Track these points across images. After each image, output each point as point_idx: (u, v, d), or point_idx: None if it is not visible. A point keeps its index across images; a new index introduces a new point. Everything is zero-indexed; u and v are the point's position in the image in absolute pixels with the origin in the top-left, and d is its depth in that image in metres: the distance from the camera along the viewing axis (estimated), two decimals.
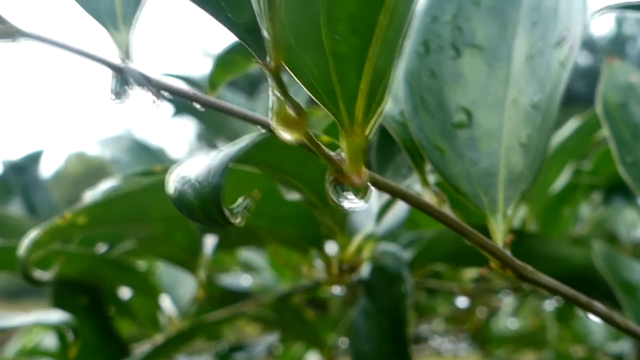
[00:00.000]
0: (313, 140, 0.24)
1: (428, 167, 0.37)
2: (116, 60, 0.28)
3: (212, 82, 0.45)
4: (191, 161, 0.28)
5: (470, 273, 0.72)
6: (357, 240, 0.41)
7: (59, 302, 0.58)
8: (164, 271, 0.66)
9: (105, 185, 0.44)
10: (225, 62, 0.45)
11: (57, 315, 0.43)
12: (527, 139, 0.33)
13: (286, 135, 0.24)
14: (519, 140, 0.34)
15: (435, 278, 0.77)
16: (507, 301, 0.96)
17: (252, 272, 0.94)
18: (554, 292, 0.32)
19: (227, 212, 0.25)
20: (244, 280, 0.90)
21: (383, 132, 0.42)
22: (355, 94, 0.25)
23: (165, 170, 0.46)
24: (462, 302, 0.71)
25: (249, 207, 0.26)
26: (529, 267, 0.32)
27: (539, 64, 0.35)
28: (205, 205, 0.25)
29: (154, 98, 0.27)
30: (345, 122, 0.26)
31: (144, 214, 0.38)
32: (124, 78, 0.27)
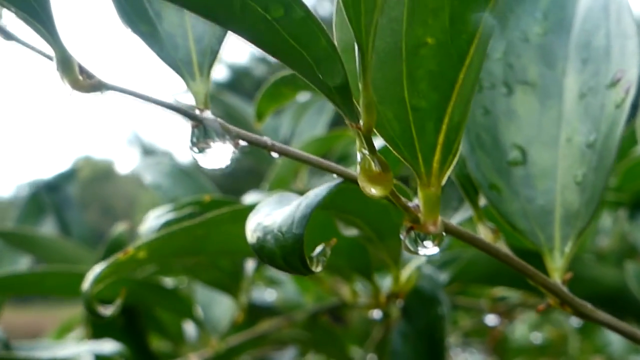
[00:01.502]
0: (394, 193, 0.25)
1: (481, 201, 0.38)
2: (194, 110, 0.28)
3: (259, 112, 0.46)
4: (268, 207, 0.29)
5: (499, 290, 0.72)
6: (407, 272, 0.42)
7: (96, 323, 0.59)
8: (200, 291, 0.66)
9: (155, 215, 0.45)
10: (272, 93, 0.46)
11: (110, 346, 0.43)
12: (582, 177, 0.34)
13: (372, 190, 0.24)
14: (574, 178, 0.35)
15: (462, 294, 0.78)
16: (528, 316, 0.97)
17: (275, 285, 0.94)
18: (612, 329, 0.33)
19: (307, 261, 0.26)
20: (268, 295, 0.91)
21: None
22: (433, 147, 0.26)
23: (212, 200, 0.47)
24: (491, 319, 0.72)
25: (327, 254, 0.27)
26: (588, 305, 0.33)
27: (592, 103, 0.36)
28: (288, 255, 0.26)
29: (233, 148, 0.28)
30: (423, 174, 0.26)
31: (202, 247, 0.39)
32: (204, 129, 0.28)
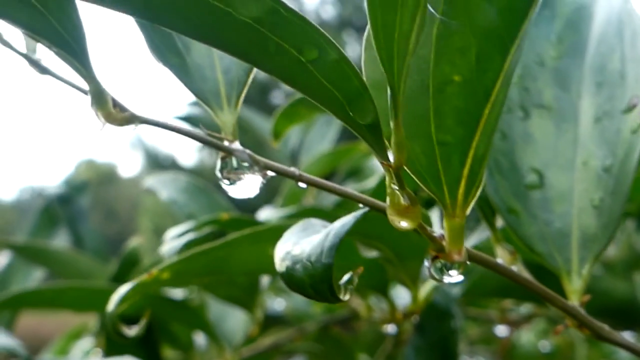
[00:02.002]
0: (422, 225, 0.26)
1: (498, 222, 0.38)
2: (223, 141, 0.29)
3: (276, 131, 0.47)
4: (295, 236, 0.30)
5: (509, 302, 0.73)
6: (425, 290, 0.43)
7: (111, 335, 0.60)
8: (212, 304, 0.67)
9: (175, 233, 0.46)
10: (290, 113, 0.46)
11: None
12: (599, 201, 0.35)
13: (402, 223, 0.25)
14: (591, 202, 0.35)
15: (471, 305, 0.79)
16: (535, 323, 0.97)
17: (284, 294, 0.95)
18: (630, 350, 0.34)
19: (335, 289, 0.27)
20: (277, 304, 0.91)
21: None
22: (458, 179, 0.27)
23: (230, 219, 0.48)
24: (501, 330, 0.72)
25: (354, 282, 0.28)
26: (606, 327, 0.33)
27: (608, 127, 0.36)
28: (317, 284, 0.27)
29: (262, 178, 0.29)
30: (448, 205, 0.27)
31: (222, 267, 0.40)
32: (233, 160, 0.29)
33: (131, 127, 0.28)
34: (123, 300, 0.37)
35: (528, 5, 0.24)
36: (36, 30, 0.26)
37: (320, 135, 0.83)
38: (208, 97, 0.30)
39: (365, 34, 0.26)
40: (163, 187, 0.57)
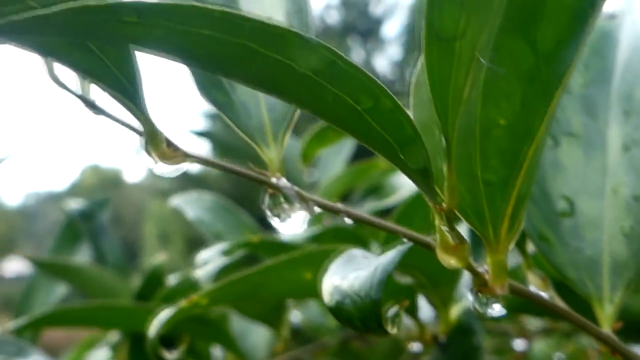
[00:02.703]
0: (470, 264, 0.27)
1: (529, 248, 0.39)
2: (270, 177, 0.30)
3: (306, 153, 0.48)
4: (340, 269, 0.30)
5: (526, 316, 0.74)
6: (456, 312, 0.44)
7: (135, 353, 0.61)
8: (235, 319, 0.68)
9: (208, 255, 0.47)
10: (320, 136, 0.47)
11: None
12: (630, 229, 0.36)
13: (450, 262, 0.26)
14: (621, 230, 0.36)
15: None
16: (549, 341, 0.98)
17: (299, 306, 0.95)
18: None
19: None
20: (294, 317, 0.92)
21: None
22: (501, 217, 0.28)
23: (260, 241, 0.49)
24: (519, 344, 0.73)
25: (400, 315, 0.29)
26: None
27: (637, 156, 0.37)
28: (366, 319, 0.27)
29: (308, 214, 0.30)
30: (492, 242, 0.28)
31: (258, 292, 0.41)
32: (279, 196, 0.30)
33: (183, 166, 0.29)
34: (163, 325, 0.38)
35: (572, 54, 0.25)
36: (95, 74, 0.27)
37: (337, 150, 0.84)
38: (254, 134, 0.31)
39: (413, 77, 0.27)
40: (189, 206, 0.58)
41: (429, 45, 0.22)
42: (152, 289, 0.66)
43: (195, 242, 6.40)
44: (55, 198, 10.07)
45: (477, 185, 0.27)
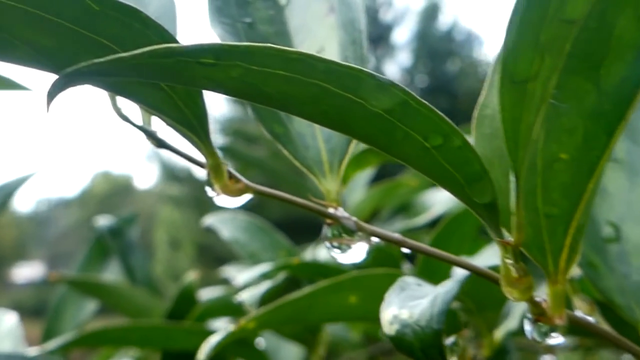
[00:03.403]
0: (537, 304, 0.27)
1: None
2: (328, 208, 0.31)
3: (345, 176, 0.48)
4: (397, 298, 0.31)
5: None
6: (499, 335, 0.44)
7: None
8: (266, 336, 0.68)
9: (247, 278, 0.47)
10: (360, 159, 0.48)
11: None
12: None
13: (513, 294, 0.26)
14: None
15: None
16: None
17: None
18: None
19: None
20: None
21: None
22: (561, 248, 0.28)
23: (300, 263, 0.49)
24: None
25: (459, 344, 0.29)
26: None
27: None
28: (427, 348, 0.28)
29: (367, 245, 0.30)
30: (551, 273, 0.28)
31: (304, 317, 0.41)
32: (338, 226, 0.30)
33: (245, 197, 0.29)
34: (214, 349, 0.39)
35: (635, 91, 0.25)
36: (162, 110, 0.27)
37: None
38: (311, 165, 0.31)
39: (475, 112, 0.27)
40: (223, 226, 0.59)
41: (503, 87, 0.22)
42: (184, 307, 0.66)
43: (205, 248, 6.41)
44: (66, 204, 10.11)
45: (538, 217, 0.27)
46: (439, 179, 0.25)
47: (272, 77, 0.23)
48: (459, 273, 0.31)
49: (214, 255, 6.17)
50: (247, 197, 0.29)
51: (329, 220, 0.30)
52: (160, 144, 0.30)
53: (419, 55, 7.87)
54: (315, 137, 0.32)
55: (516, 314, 0.45)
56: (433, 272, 0.49)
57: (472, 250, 0.56)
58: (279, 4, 0.36)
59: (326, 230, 0.30)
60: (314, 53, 0.33)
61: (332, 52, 0.34)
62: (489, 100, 0.28)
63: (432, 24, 7.91)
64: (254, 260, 0.57)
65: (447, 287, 0.29)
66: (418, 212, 0.67)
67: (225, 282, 0.81)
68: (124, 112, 0.30)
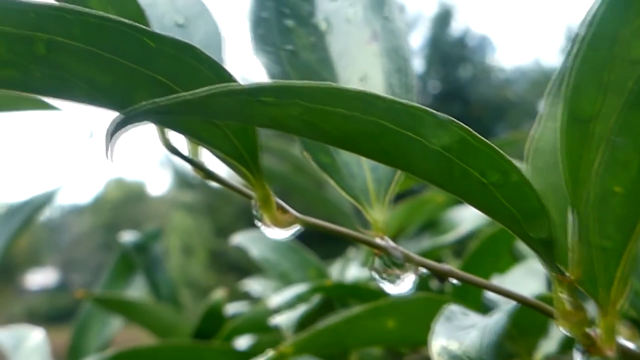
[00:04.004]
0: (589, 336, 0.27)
1: None
2: (375, 238, 0.30)
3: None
4: (444, 328, 0.31)
5: None
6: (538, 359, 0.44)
7: None
8: None
9: (281, 300, 0.47)
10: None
11: None
12: None
13: (567, 328, 0.26)
14: None
15: None
16: None
17: None
18: None
19: None
20: None
21: None
22: (612, 280, 0.28)
23: (333, 285, 0.49)
24: None
25: None
26: None
27: None
28: None
29: (415, 276, 0.30)
30: (603, 305, 0.28)
31: (342, 341, 0.41)
32: (385, 257, 0.30)
33: (294, 228, 0.29)
34: None
35: None
36: (213, 143, 0.27)
37: None
38: (358, 195, 0.31)
39: (528, 145, 0.27)
40: (252, 244, 0.59)
41: (566, 125, 0.22)
42: (212, 326, 0.66)
43: (218, 255, 6.42)
44: (79, 211, 10.16)
45: (592, 251, 0.27)
46: (496, 215, 0.25)
47: (331, 115, 0.23)
48: (507, 303, 0.31)
49: (226, 261, 6.18)
50: (296, 228, 0.29)
51: (376, 251, 0.30)
52: (208, 175, 0.30)
53: (431, 62, 7.87)
54: (361, 166, 0.32)
55: (554, 337, 0.45)
56: (466, 293, 0.49)
57: (503, 268, 0.56)
58: (320, 30, 0.36)
59: (375, 261, 0.30)
60: (357, 81, 0.33)
61: (375, 80, 0.34)
62: (543, 133, 0.27)
63: (444, 30, 7.91)
64: (284, 280, 0.57)
65: (496, 318, 0.29)
66: (445, 230, 0.67)
67: (247, 296, 0.81)
68: (173, 143, 0.30)
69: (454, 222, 0.67)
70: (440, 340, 0.30)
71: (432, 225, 0.70)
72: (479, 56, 8.13)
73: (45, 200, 0.75)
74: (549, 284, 0.46)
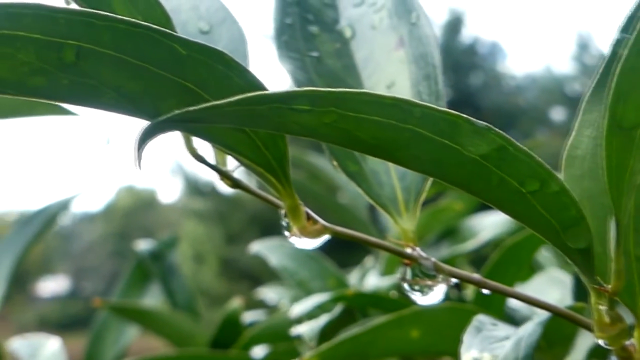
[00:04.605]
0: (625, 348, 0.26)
1: None
2: (405, 247, 0.30)
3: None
4: (476, 340, 0.30)
5: None
6: None
7: None
8: None
9: (302, 309, 0.47)
10: None
11: None
12: None
13: (605, 340, 0.26)
14: None
15: None
16: None
17: None
18: None
19: None
20: None
21: None
22: None
23: (355, 294, 0.48)
24: None
25: None
26: None
27: None
28: None
29: (445, 286, 0.29)
30: None
31: (366, 352, 0.41)
32: (415, 267, 0.29)
33: (323, 238, 0.29)
34: None
35: None
36: (241, 151, 0.27)
37: None
38: (386, 204, 0.31)
39: (564, 153, 0.26)
40: (271, 253, 0.58)
41: (610, 134, 0.21)
42: (229, 334, 0.66)
43: (229, 263, 6.42)
44: (90, 219, 10.19)
45: (630, 261, 0.26)
46: (533, 225, 0.25)
47: (366, 123, 0.22)
48: (534, 313, 0.30)
49: (238, 269, 6.18)
50: (324, 237, 0.29)
51: (406, 261, 0.30)
52: (235, 184, 0.29)
53: (442, 69, 7.84)
54: (390, 174, 0.31)
55: (581, 348, 0.44)
56: (490, 303, 0.48)
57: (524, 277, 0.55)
58: (344, 37, 0.36)
59: (404, 271, 0.29)
60: (384, 88, 0.33)
61: (403, 87, 0.33)
62: (579, 140, 0.27)
63: (455, 37, 7.91)
64: (302, 288, 0.56)
65: (529, 330, 0.29)
66: (465, 238, 0.66)
67: (262, 304, 0.80)
68: (199, 152, 0.29)
69: (473, 231, 0.66)
70: (472, 352, 0.29)
71: (451, 233, 0.69)
72: (490, 63, 8.11)
73: (60, 208, 0.75)
74: (575, 294, 0.45)
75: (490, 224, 0.64)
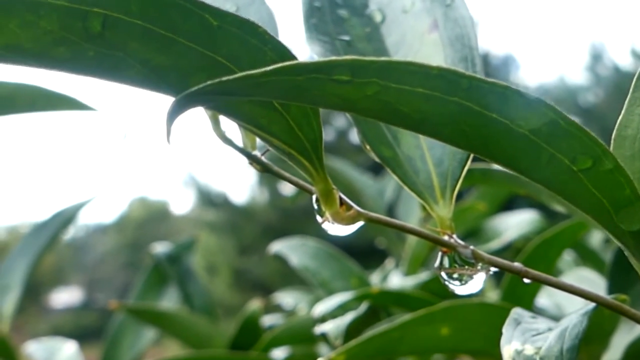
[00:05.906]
0: None
1: None
2: (442, 235, 0.28)
3: None
4: (517, 332, 0.29)
5: None
6: None
7: None
8: None
9: (325, 309, 0.45)
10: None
11: None
12: None
13: None
14: None
15: None
16: None
17: None
18: None
19: None
20: None
21: (619, 258, 0.42)
22: None
23: (380, 292, 0.47)
24: None
25: None
26: None
27: None
28: None
29: (485, 275, 0.28)
30: None
31: (395, 349, 0.39)
32: (454, 255, 0.28)
33: (356, 225, 0.28)
34: None
35: None
36: (273, 132, 0.26)
37: None
38: (422, 190, 0.29)
39: (615, 133, 0.25)
40: (292, 252, 0.57)
41: None
42: (249, 337, 0.65)
43: (241, 274, 6.41)
44: (103, 230, 10.21)
45: None
46: (582, 205, 0.23)
47: (409, 95, 0.21)
48: (584, 305, 0.29)
49: (250, 280, 6.17)
50: (358, 224, 0.27)
51: (444, 249, 0.28)
52: (265, 168, 0.28)
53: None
54: (425, 160, 0.30)
55: (618, 346, 0.43)
56: (520, 297, 0.47)
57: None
58: (375, 21, 0.34)
59: (442, 259, 0.28)
60: None
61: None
62: (630, 119, 0.25)
63: None
64: (324, 289, 0.55)
65: (575, 320, 0.27)
66: (489, 238, 0.64)
67: (278, 309, 0.79)
68: (227, 135, 0.28)
69: (497, 230, 0.64)
70: (514, 344, 0.28)
71: (475, 233, 0.67)
72: (503, 74, 8.09)
73: (72, 213, 0.74)
74: (609, 291, 0.44)
75: (515, 224, 0.62)
